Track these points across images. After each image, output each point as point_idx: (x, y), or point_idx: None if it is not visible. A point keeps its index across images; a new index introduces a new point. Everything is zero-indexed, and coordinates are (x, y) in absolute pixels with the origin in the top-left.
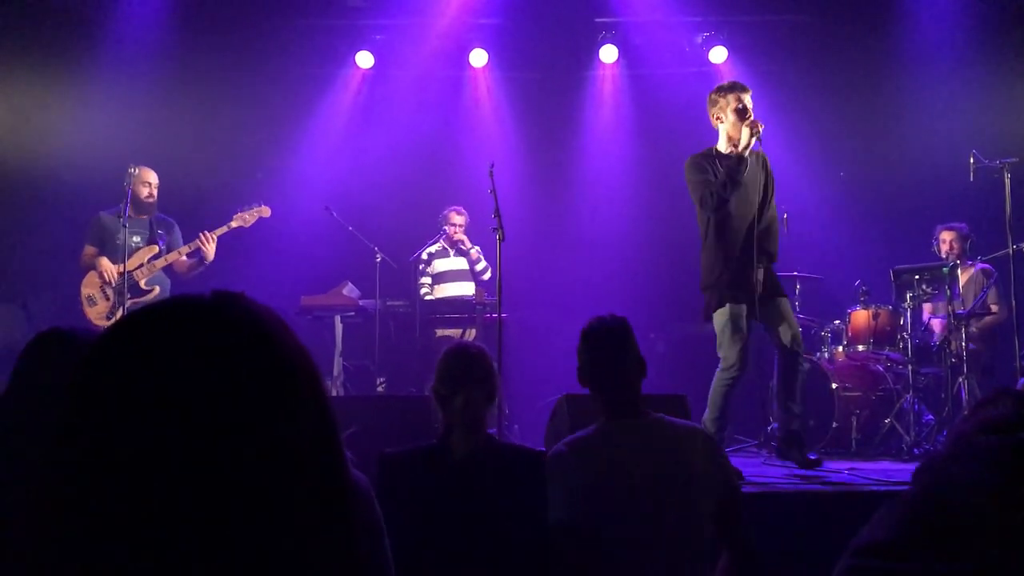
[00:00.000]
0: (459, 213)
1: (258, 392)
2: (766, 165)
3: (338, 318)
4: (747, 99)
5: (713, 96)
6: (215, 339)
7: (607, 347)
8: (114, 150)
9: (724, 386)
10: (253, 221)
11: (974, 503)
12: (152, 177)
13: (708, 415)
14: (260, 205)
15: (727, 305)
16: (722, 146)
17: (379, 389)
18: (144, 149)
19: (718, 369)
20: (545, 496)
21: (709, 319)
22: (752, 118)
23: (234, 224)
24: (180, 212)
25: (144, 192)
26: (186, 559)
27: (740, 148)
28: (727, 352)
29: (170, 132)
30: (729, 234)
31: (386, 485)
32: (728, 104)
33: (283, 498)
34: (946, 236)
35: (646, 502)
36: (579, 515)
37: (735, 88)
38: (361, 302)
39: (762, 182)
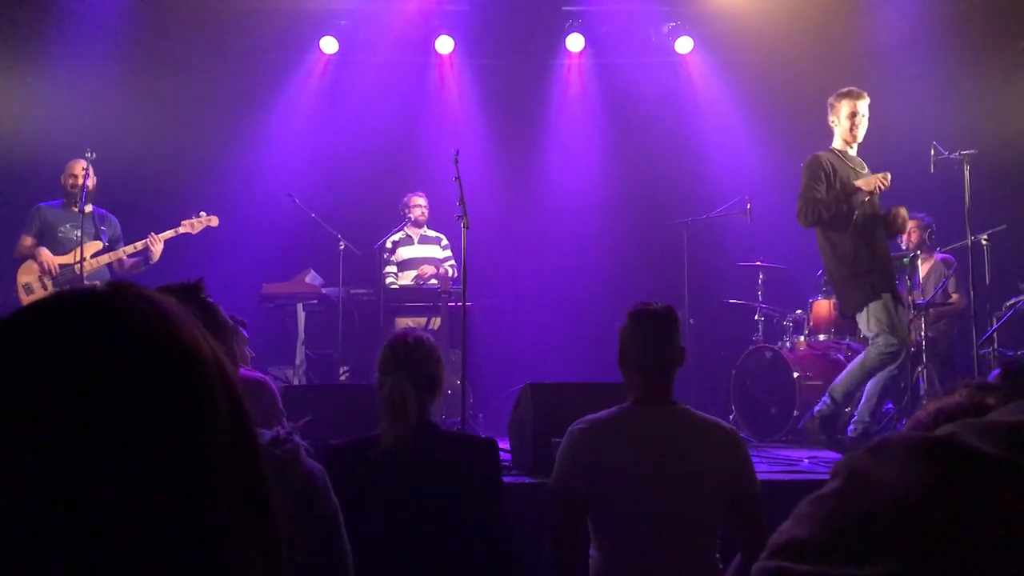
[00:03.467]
0: (419, 195)
1: (167, 397)
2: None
3: (300, 306)
4: (857, 104)
5: (831, 101)
6: (113, 336)
7: (653, 332)
8: (67, 138)
9: (887, 377)
10: (200, 228)
11: (895, 502)
12: (77, 168)
13: (843, 389)
14: (209, 214)
15: (884, 295)
16: (837, 144)
17: (342, 378)
18: (99, 136)
19: (877, 351)
20: (498, 484)
21: (855, 311)
22: (861, 125)
23: (181, 230)
24: (136, 200)
25: (69, 183)
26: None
27: (864, 188)
28: (895, 338)
29: (127, 118)
30: (856, 229)
31: (332, 476)
32: (842, 109)
33: (202, 499)
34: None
35: (661, 487)
36: (588, 488)
37: (851, 95)
38: (324, 290)
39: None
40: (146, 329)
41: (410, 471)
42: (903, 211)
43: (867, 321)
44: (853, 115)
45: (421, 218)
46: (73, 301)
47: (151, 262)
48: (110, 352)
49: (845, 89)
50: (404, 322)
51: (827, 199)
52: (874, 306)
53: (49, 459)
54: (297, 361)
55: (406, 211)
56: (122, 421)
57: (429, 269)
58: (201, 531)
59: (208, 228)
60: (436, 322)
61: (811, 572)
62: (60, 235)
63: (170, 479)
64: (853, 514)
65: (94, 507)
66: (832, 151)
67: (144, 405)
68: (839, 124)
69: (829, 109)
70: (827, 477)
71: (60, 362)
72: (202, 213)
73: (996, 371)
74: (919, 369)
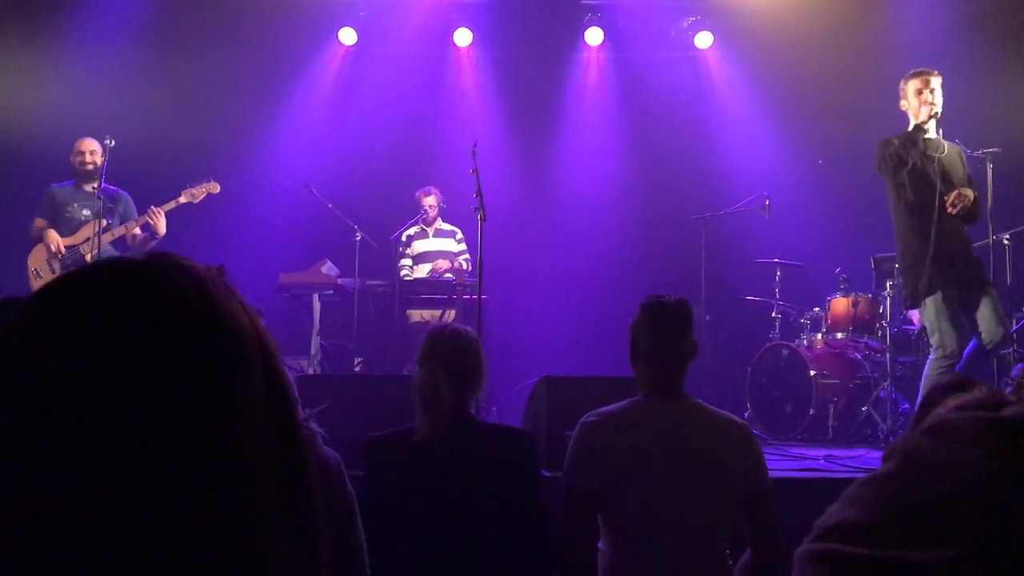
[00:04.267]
0: (427, 194)
1: (204, 368)
2: (957, 157)
3: (316, 296)
4: (927, 80)
5: (901, 84)
6: (151, 306)
7: (666, 326)
8: (88, 123)
9: (938, 374)
10: (202, 197)
11: (956, 484)
12: (88, 146)
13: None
14: (209, 180)
15: (937, 292)
16: (910, 126)
17: (356, 369)
18: (118, 123)
19: (931, 357)
20: (537, 477)
21: (914, 306)
22: (930, 100)
23: (182, 200)
24: (152, 188)
25: (78, 160)
26: (129, 552)
27: (917, 120)
28: (946, 340)
29: (146, 106)
30: (910, 219)
31: (370, 468)
32: (910, 88)
33: (235, 477)
34: None
35: (671, 482)
36: (599, 482)
37: (918, 73)
38: (340, 281)
39: (940, 172)
40: (182, 299)
41: (446, 463)
42: (968, 193)
43: (924, 318)
44: (919, 92)
45: (431, 215)
46: (110, 271)
47: (158, 236)
48: (145, 322)
49: (912, 70)
50: (419, 314)
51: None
52: (928, 302)
53: (76, 432)
54: (312, 351)
55: (418, 207)
56: (153, 392)
57: (443, 264)
58: (230, 509)
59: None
60: (451, 315)
61: (867, 555)
62: (67, 215)
63: (200, 452)
64: (912, 497)
65: (122, 481)
66: (904, 133)
67: (177, 376)
68: (909, 105)
69: (900, 94)
70: (843, 476)
71: (93, 333)
72: (203, 181)
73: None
74: (933, 364)
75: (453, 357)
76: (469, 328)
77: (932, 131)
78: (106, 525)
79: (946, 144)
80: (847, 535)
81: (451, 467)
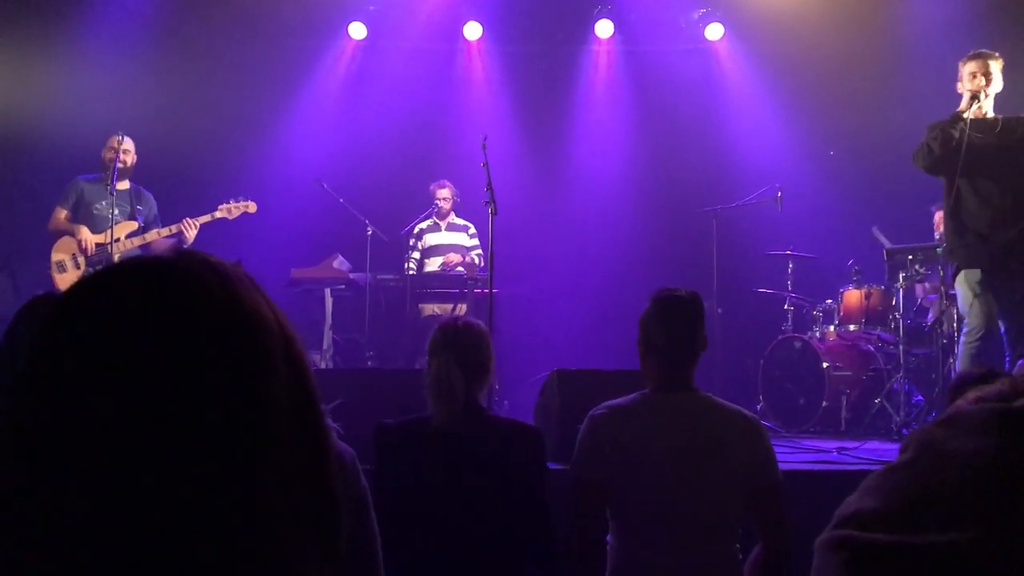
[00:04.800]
0: (441, 187)
1: (231, 362)
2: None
3: (328, 291)
4: (979, 65)
5: (959, 66)
6: (180, 302)
7: (676, 318)
8: (102, 117)
9: (968, 352)
10: (238, 214)
11: (971, 471)
12: (125, 144)
13: None
14: (247, 200)
15: (963, 271)
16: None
17: (368, 363)
18: (132, 117)
19: (962, 333)
20: (543, 470)
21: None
22: (979, 84)
23: (218, 215)
24: (165, 182)
25: (109, 156)
26: (154, 541)
27: (958, 109)
28: (970, 318)
29: (158, 101)
30: (955, 198)
31: (380, 454)
32: (964, 72)
33: (258, 469)
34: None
35: (680, 475)
36: (607, 475)
37: (973, 56)
38: (351, 275)
39: (995, 149)
40: (209, 295)
41: (455, 453)
42: None
43: (959, 296)
44: (973, 76)
45: (444, 209)
46: (140, 268)
47: (185, 246)
48: (176, 316)
49: (970, 52)
50: (430, 308)
51: (936, 132)
52: (959, 278)
53: (103, 424)
54: (324, 346)
55: (433, 200)
56: (183, 383)
57: (455, 257)
58: (255, 494)
59: (239, 217)
60: (462, 308)
61: (885, 540)
62: (96, 212)
63: (224, 444)
64: (929, 484)
65: (148, 472)
66: (959, 112)
67: (205, 367)
68: (964, 88)
69: (958, 77)
70: (857, 468)
71: (125, 329)
72: (240, 198)
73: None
74: (950, 360)
75: (466, 349)
76: (479, 321)
77: (987, 110)
78: (137, 512)
79: (1000, 121)
80: (865, 523)
81: (459, 458)
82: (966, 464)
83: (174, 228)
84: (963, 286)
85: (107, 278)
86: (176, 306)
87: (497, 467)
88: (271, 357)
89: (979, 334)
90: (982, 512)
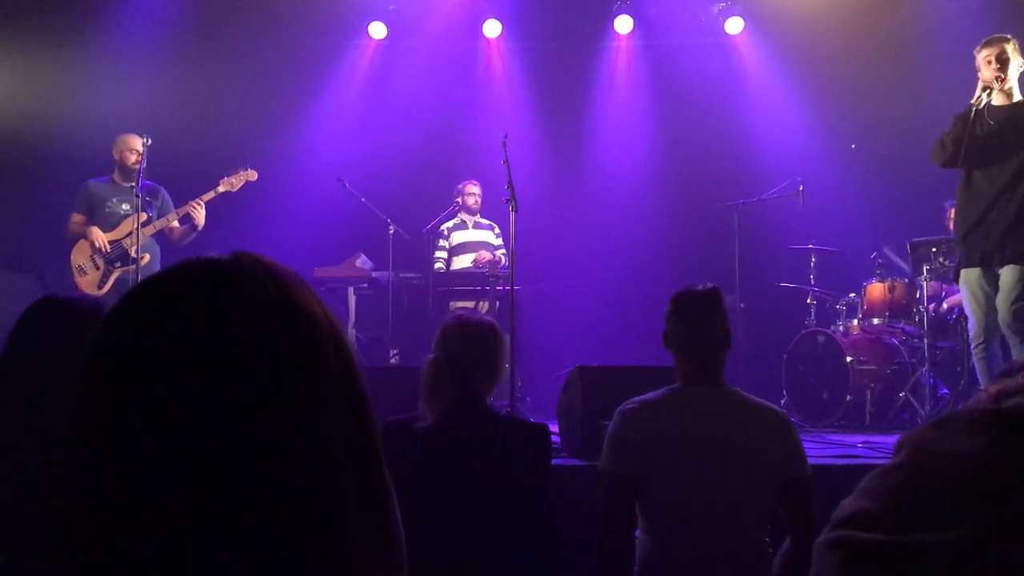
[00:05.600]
0: (473, 184)
1: (286, 359)
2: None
3: (351, 290)
4: (992, 51)
5: (974, 54)
6: (236, 302)
7: (697, 315)
8: (125, 119)
9: (979, 361)
10: (240, 185)
11: (961, 471)
12: (137, 144)
13: None
14: (247, 169)
15: (963, 271)
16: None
17: (392, 360)
18: (150, 119)
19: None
20: (548, 468)
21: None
22: (992, 75)
23: (221, 189)
24: (187, 184)
25: (132, 159)
26: (214, 544)
27: (972, 100)
28: (972, 325)
29: (180, 102)
30: (970, 193)
31: (385, 454)
32: (979, 59)
33: (315, 460)
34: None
35: (709, 469)
36: (638, 470)
37: (986, 43)
38: (374, 274)
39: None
40: (264, 294)
41: (458, 451)
42: None
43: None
44: (988, 63)
45: (475, 206)
46: (197, 269)
47: (198, 228)
48: (233, 316)
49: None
50: (453, 306)
51: (950, 128)
52: (960, 280)
53: (163, 421)
54: None
55: (460, 197)
56: (244, 377)
57: (487, 254)
58: (313, 480)
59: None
60: (484, 306)
61: (880, 540)
62: (107, 210)
63: (283, 437)
64: (922, 485)
65: (221, 458)
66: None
67: (262, 366)
68: (981, 75)
69: (976, 65)
70: (882, 462)
71: (188, 328)
72: (240, 169)
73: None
74: (972, 352)
75: (485, 348)
76: (487, 318)
77: (1013, 91)
78: (201, 503)
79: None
80: (860, 524)
81: (462, 456)
82: (956, 464)
83: (180, 212)
84: (963, 288)
85: (163, 281)
86: (232, 305)
87: (501, 465)
88: (324, 353)
89: (979, 341)
90: (972, 511)
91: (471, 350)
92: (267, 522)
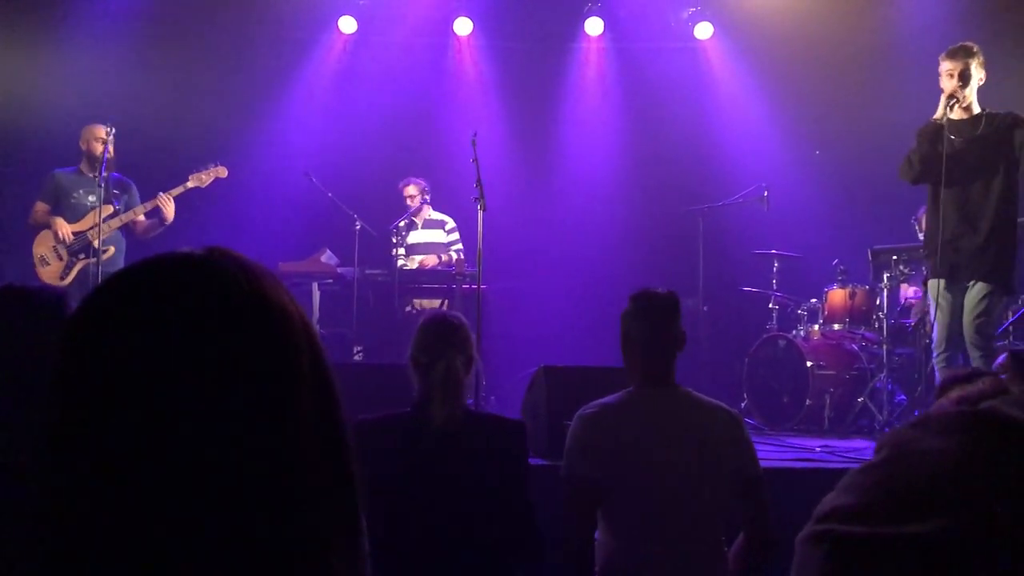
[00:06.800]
0: (406, 185)
1: (259, 354)
2: (995, 134)
3: (316, 285)
4: (954, 64)
5: (939, 62)
6: (210, 297)
7: (653, 318)
8: (87, 110)
9: (939, 367)
10: (210, 181)
11: (937, 468)
12: (103, 133)
13: None
14: (217, 165)
15: (930, 281)
16: (939, 112)
17: (356, 357)
18: (118, 110)
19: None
20: (525, 466)
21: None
22: (955, 85)
23: (190, 184)
24: (153, 176)
25: (99, 148)
26: (187, 547)
27: (935, 115)
28: (935, 333)
29: (147, 93)
30: (940, 208)
31: (361, 452)
32: (942, 70)
33: (287, 471)
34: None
35: (670, 470)
36: (600, 474)
37: (948, 54)
38: (339, 269)
39: (974, 152)
40: (238, 289)
41: (436, 449)
42: None
43: None
44: (950, 75)
45: (413, 206)
46: (170, 264)
47: (166, 223)
48: (206, 311)
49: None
50: (418, 303)
51: (916, 146)
52: (928, 288)
53: (137, 416)
54: None
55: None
56: (213, 377)
57: (431, 260)
58: (283, 466)
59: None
60: (445, 304)
61: (861, 532)
62: (73, 201)
63: (256, 431)
64: (901, 480)
65: (182, 460)
66: (935, 120)
67: (236, 361)
68: (943, 85)
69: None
70: (839, 466)
71: (159, 320)
72: (210, 165)
73: (1003, 356)
74: (934, 360)
75: (463, 346)
76: (459, 315)
77: (971, 104)
78: (175, 499)
79: (984, 118)
80: (843, 517)
81: (440, 454)
82: (933, 462)
83: (149, 205)
84: (930, 297)
85: (136, 275)
86: (206, 300)
87: (479, 463)
88: (297, 348)
89: (941, 349)
90: (947, 505)
91: (469, 349)
92: (240, 514)
